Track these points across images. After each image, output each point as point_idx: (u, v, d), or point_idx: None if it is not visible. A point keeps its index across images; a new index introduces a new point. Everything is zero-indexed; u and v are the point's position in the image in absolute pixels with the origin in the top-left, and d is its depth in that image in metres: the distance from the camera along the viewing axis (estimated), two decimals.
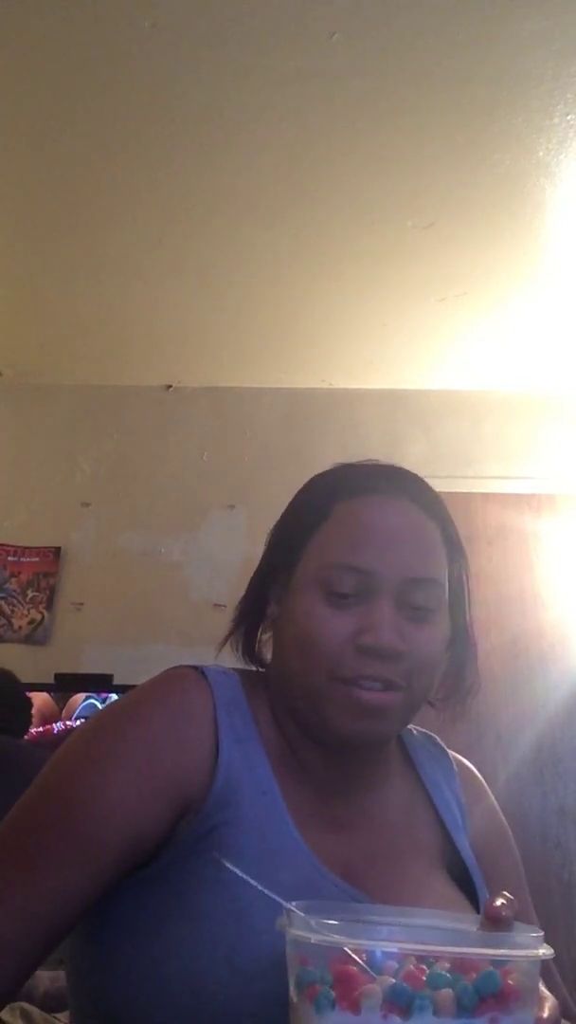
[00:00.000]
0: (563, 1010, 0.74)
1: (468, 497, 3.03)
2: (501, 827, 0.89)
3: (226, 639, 0.83)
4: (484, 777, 0.92)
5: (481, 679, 0.83)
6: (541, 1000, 0.55)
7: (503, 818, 0.90)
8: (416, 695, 0.74)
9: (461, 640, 0.81)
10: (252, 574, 0.84)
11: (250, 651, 0.83)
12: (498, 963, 0.50)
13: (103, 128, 2.06)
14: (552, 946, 0.82)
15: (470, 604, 0.82)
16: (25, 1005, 1.40)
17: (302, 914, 0.53)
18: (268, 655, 0.83)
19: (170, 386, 3.30)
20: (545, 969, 0.79)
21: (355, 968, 0.49)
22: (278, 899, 0.55)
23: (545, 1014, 0.54)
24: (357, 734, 0.72)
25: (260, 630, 0.83)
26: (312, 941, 0.51)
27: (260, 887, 0.56)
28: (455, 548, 0.80)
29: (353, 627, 0.71)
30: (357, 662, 0.71)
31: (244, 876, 0.57)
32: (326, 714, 0.72)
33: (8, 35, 1.81)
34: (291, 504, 0.84)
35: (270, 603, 0.81)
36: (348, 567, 0.73)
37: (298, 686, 0.74)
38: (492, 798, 0.91)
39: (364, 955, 0.49)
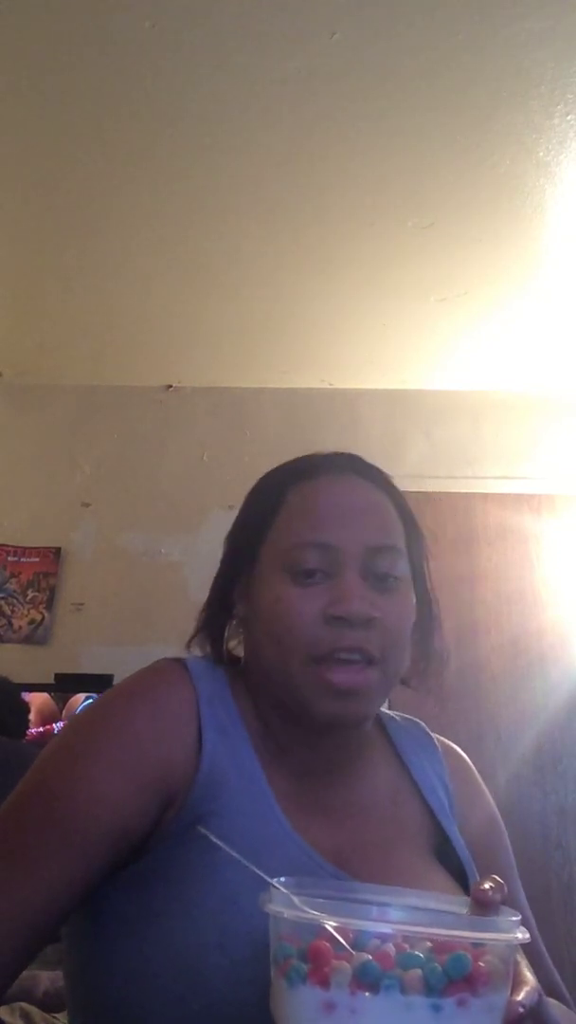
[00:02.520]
0: (553, 995, 0.74)
1: (468, 497, 3.03)
2: (490, 811, 0.89)
3: (190, 641, 0.83)
4: (484, 777, 0.92)
5: (449, 651, 0.84)
6: (520, 984, 0.54)
7: (492, 802, 0.90)
8: (390, 670, 0.74)
9: (425, 613, 0.82)
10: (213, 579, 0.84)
11: (219, 655, 0.83)
12: (475, 944, 0.50)
13: (102, 128, 2.06)
14: (552, 946, 0.83)
15: (431, 577, 0.83)
16: (25, 1005, 1.40)
17: (284, 890, 0.53)
18: (240, 656, 0.83)
19: (170, 386, 3.30)
20: (536, 955, 0.80)
21: (328, 944, 0.49)
22: (262, 874, 0.55)
23: (520, 997, 0.53)
24: (335, 716, 0.72)
25: (227, 633, 0.83)
26: (285, 916, 0.51)
27: (245, 862, 0.56)
28: (410, 522, 0.81)
29: (322, 603, 0.72)
30: (331, 635, 0.71)
31: (230, 850, 0.57)
32: (303, 699, 0.72)
33: (7, 36, 1.81)
34: (244, 503, 0.85)
35: (236, 604, 0.81)
36: (310, 544, 0.74)
37: (275, 675, 0.74)
38: (480, 782, 0.91)
39: (351, 933, 0.50)
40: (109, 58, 1.86)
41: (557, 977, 0.81)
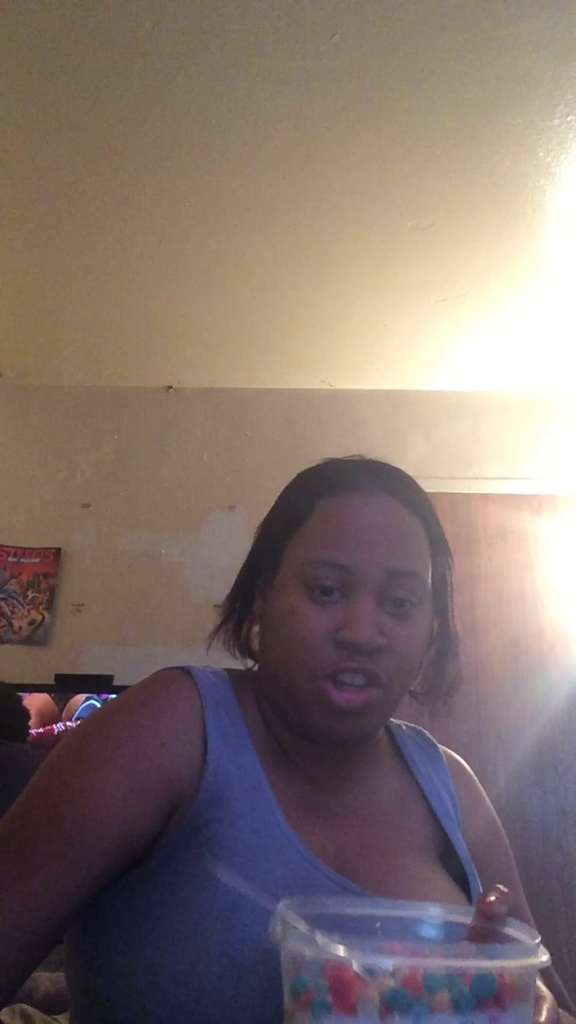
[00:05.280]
0: (562, 1007, 0.74)
1: (468, 497, 3.03)
2: (492, 819, 0.89)
3: (214, 633, 0.84)
4: (484, 778, 0.93)
5: (463, 675, 0.84)
6: (539, 1000, 0.54)
7: (492, 808, 0.90)
8: (394, 692, 0.74)
9: (443, 635, 0.82)
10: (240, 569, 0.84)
11: (238, 646, 0.83)
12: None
13: (103, 128, 2.06)
14: (552, 946, 0.83)
15: (453, 599, 0.83)
16: (25, 1007, 1.40)
17: (303, 926, 0.52)
18: (256, 648, 0.83)
19: (170, 387, 3.30)
20: (544, 970, 0.79)
21: (351, 973, 0.48)
22: (265, 904, 0.54)
23: (543, 1017, 0.53)
24: (336, 733, 0.73)
25: (247, 625, 0.83)
26: (307, 956, 0.50)
27: (251, 894, 0.56)
28: (439, 544, 0.81)
29: (334, 623, 0.72)
30: (337, 656, 0.71)
31: (235, 885, 0.57)
32: (305, 713, 0.73)
33: (7, 35, 1.81)
34: (278, 500, 0.84)
35: (256, 598, 0.81)
36: (328, 563, 0.73)
37: (280, 683, 0.75)
38: (482, 790, 0.91)
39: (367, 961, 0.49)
40: (109, 58, 1.86)
41: (557, 980, 0.81)
